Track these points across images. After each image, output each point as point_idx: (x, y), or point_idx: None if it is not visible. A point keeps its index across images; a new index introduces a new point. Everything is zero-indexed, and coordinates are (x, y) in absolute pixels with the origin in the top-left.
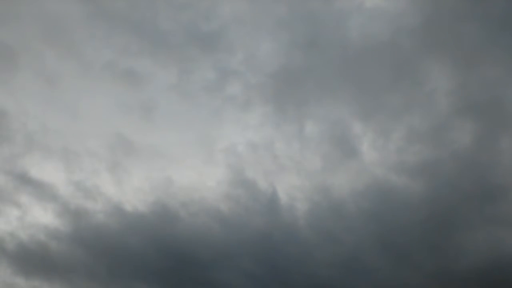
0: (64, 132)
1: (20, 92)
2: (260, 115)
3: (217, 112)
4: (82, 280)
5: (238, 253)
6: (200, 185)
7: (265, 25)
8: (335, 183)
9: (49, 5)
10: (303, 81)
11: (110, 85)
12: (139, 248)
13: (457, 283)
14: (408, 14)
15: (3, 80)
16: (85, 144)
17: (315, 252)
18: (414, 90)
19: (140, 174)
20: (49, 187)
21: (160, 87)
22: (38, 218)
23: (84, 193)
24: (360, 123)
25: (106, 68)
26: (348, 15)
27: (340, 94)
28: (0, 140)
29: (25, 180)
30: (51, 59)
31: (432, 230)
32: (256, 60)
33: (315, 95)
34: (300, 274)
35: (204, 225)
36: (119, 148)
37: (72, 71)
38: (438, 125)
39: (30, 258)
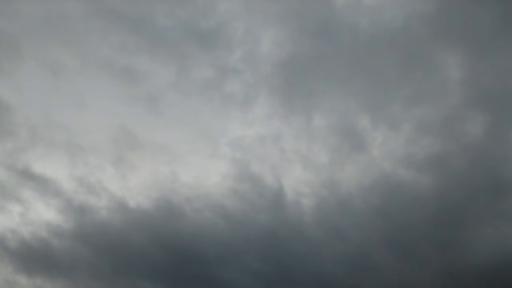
0: (68, 126)
1: (24, 85)
2: (267, 107)
3: (221, 105)
4: (85, 278)
5: (243, 250)
6: (205, 180)
7: (271, 13)
8: (342, 177)
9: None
10: (311, 71)
11: (113, 80)
12: (143, 245)
13: (466, 280)
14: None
15: (6, 73)
16: (89, 138)
17: (322, 249)
18: (425, 79)
19: (144, 169)
20: (52, 182)
21: (162, 83)
22: (41, 214)
23: (88, 189)
24: (369, 115)
25: (106, 65)
26: (359, 1)
27: (349, 84)
28: (3, 134)
29: (27, 176)
30: (54, 52)
31: (440, 226)
32: (261, 52)
33: (323, 85)
34: (306, 271)
35: (209, 222)
36: (123, 142)
37: (76, 65)
38: (449, 117)
39: (32, 255)
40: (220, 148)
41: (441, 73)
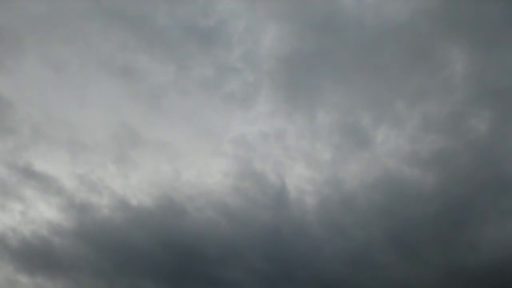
0: (70, 123)
1: (25, 82)
2: (270, 104)
3: (223, 103)
4: (86, 277)
5: (245, 248)
6: (207, 178)
7: (273, 9)
8: (345, 175)
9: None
10: (314, 67)
11: (114, 78)
12: (145, 244)
13: (469, 279)
14: None
15: (8, 70)
16: (91, 135)
17: (325, 247)
18: (430, 76)
19: (145, 167)
20: (53, 180)
21: (163, 81)
22: (42, 213)
23: (89, 187)
24: (373, 112)
25: (107, 63)
26: None
27: (353, 80)
28: (4, 132)
29: (29, 173)
30: (56, 50)
31: (444, 224)
32: (263, 48)
33: (326, 82)
34: (309, 269)
35: (211, 220)
36: (125, 140)
37: (77, 62)
38: (454, 113)
39: (33, 254)
40: (222, 146)
41: (445, 69)
